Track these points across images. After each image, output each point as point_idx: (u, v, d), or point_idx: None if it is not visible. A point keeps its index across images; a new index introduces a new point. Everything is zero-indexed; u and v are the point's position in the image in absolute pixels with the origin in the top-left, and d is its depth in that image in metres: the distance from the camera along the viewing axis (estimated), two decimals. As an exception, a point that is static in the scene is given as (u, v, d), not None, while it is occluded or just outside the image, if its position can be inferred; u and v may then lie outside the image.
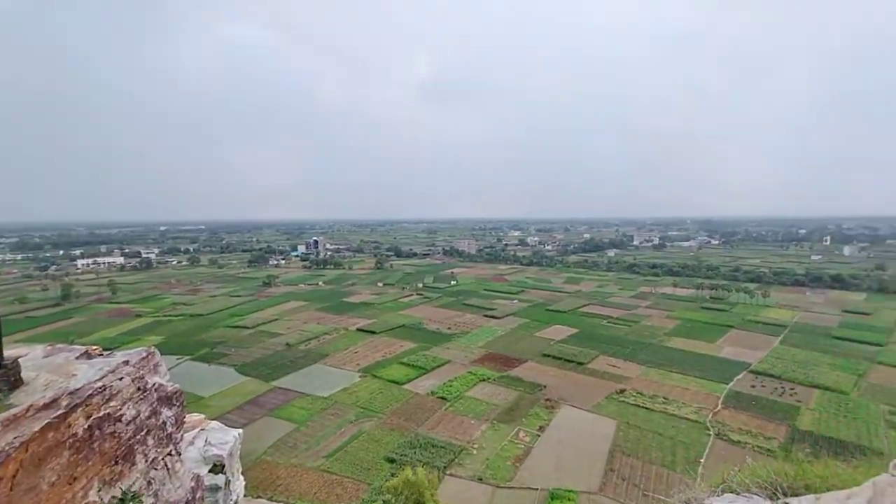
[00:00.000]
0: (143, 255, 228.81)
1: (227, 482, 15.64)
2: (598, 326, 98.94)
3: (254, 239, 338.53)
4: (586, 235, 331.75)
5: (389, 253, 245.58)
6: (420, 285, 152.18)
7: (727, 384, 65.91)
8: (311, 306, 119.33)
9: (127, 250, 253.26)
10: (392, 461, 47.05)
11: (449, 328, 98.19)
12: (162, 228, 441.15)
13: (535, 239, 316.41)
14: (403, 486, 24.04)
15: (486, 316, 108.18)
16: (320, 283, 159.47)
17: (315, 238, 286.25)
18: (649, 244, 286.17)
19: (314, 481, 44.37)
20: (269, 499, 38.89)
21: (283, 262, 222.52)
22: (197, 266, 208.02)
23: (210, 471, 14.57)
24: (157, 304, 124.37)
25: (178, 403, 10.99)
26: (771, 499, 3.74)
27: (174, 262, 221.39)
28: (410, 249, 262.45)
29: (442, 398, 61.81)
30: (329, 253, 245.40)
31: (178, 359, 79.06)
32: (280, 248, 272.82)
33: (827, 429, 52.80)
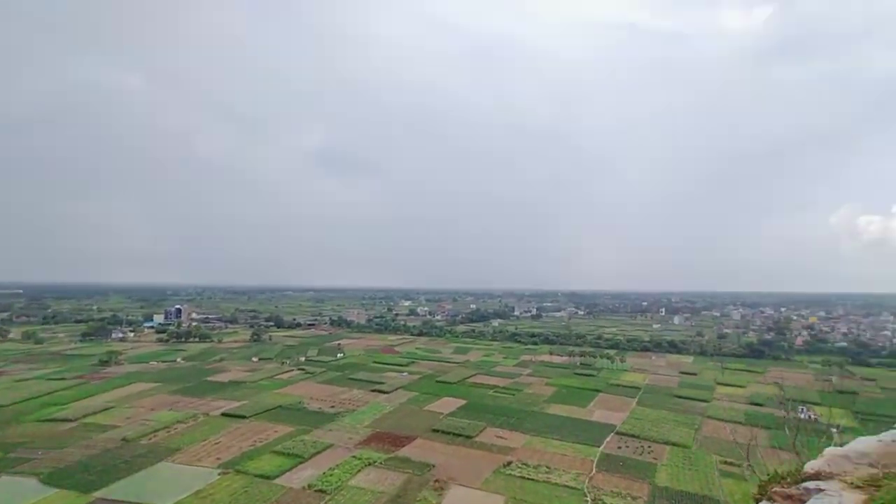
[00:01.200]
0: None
1: None
2: (486, 397, 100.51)
3: (94, 307, 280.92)
4: (473, 306, 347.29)
5: (269, 323, 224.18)
6: (302, 359, 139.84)
7: (599, 447, 70.83)
8: (162, 388, 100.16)
9: None
10: (254, 580, 38.88)
11: (333, 406, 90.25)
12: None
13: (426, 309, 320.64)
14: None
15: (374, 391, 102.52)
16: (179, 359, 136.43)
17: (178, 306, 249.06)
18: (528, 314, 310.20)
19: None
20: None
21: (131, 334, 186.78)
22: (3, 342, 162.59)
23: None
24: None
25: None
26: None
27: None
28: (294, 319, 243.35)
29: (321, 491, 54.71)
30: (194, 323, 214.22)
31: (-55, 472, 57.88)
32: (130, 317, 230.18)
33: (678, 482, 59.19)
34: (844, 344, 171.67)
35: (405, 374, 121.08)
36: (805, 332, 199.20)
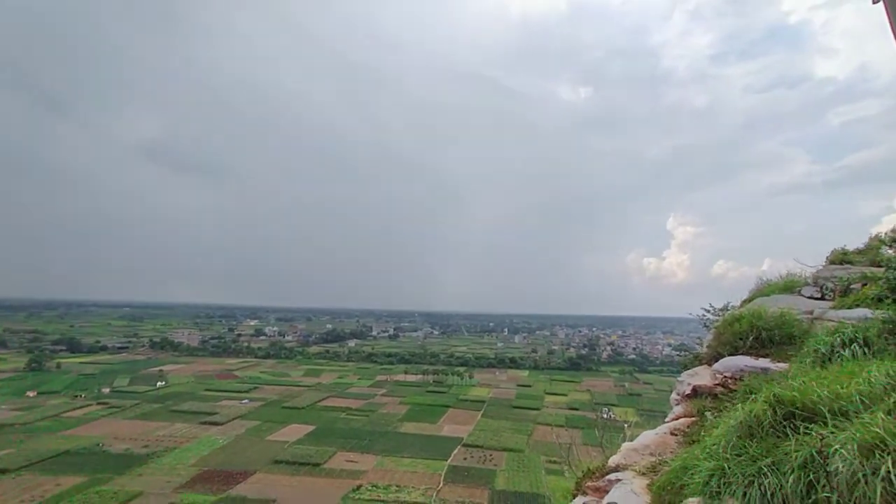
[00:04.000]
0: None
1: None
2: (337, 420, 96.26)
3: None
4: (329, 326, 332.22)
5: (58, 347, 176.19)
6: (106, 390, 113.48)
7: (447, 460, 74.03)
8: None
9: None
10: None
11: (146, 446, 75.05)
12: None
13: (275, 329, 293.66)
14: None
15: (204, 423, 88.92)
16: None
17: None
18: (386, 334, 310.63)
19: None
20: None
21: None
22: None
23: None
24: None
25: None
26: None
27: None
28: (97, 341, 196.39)
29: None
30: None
31: None
32: None
33: (514, 485, 65.52)
34: (634, 356, 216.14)
35: (245, 401, 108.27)
36: (608, 348, 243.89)
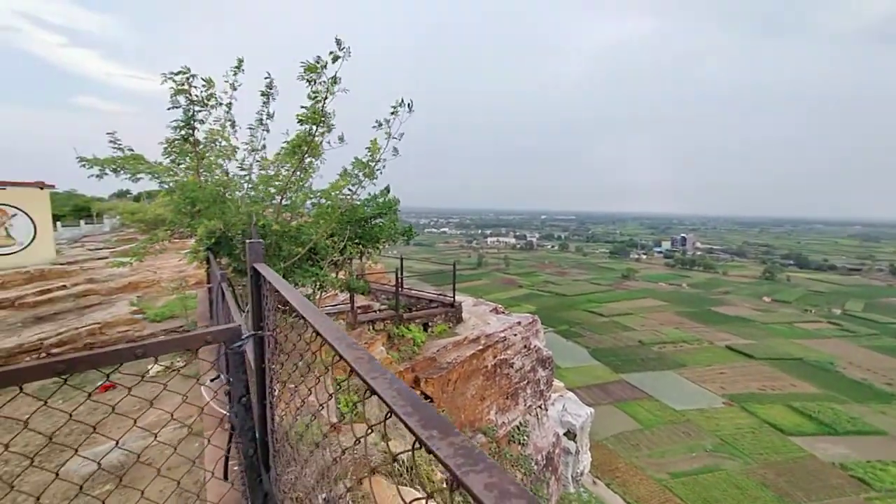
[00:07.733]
0: (528, 239, 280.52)
1: (578, 451, 16.80)
2: None
3: (617, 231, 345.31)
4: None
5: (786, 261, 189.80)
6: (837, 311, 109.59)
7: None
8: (669, 308, 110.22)
9: (517, 233, 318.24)
10: (759, 523, 37.22)
11: (889, 384, 66.00)
12: (542, 217, 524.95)
13: None
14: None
15: (979, 384, 65.28)
16: (684, 284, 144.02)
17: (683, 235, 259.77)
18: None
19: (653, 492, 41.45)
20: (607, 485, 39.51)
21: (643, 257, 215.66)
22: (565, 252, 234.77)
23: (564, 435, 16.06)
24: (533, 280, 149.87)
25: (549, 367, 12.58)
26: None
27: (548, 247, 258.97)
28: (824, 260, 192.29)
29: (860, 480, 42.75)
30: (698, 253, 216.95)
31: (543, 328, 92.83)
32: (642, 242, 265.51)
33: None
34: None
35: None
36: None
